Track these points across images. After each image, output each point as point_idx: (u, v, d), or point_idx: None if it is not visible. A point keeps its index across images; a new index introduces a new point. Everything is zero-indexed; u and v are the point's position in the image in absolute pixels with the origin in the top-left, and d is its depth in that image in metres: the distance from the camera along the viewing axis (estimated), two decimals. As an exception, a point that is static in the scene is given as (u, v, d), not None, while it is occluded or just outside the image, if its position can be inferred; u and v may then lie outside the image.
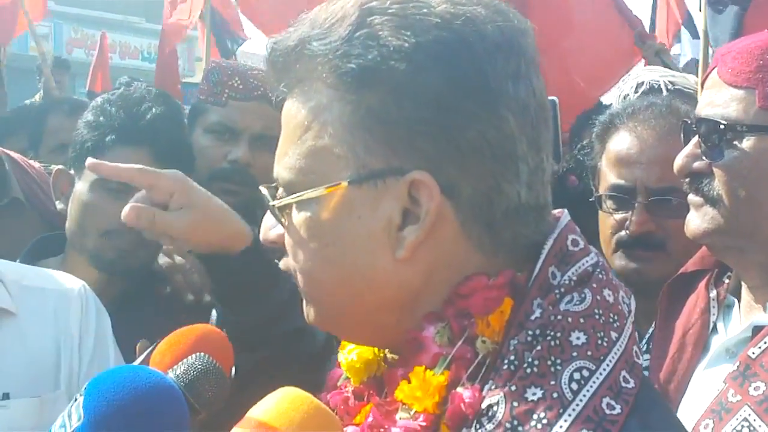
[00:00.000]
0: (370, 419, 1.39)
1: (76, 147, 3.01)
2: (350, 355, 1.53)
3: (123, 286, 2.96)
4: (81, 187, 2.95)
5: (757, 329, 2.10)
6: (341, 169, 1.37)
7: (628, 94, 3.95)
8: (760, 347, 2.02)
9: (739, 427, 1.95)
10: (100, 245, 2.91)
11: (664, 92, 3.85)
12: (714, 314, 2.27)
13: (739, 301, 2.26)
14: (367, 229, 1.38)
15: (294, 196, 1.41)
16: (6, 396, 2.32)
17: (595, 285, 1.37)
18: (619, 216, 2.81)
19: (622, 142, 2.85)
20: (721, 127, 2.11)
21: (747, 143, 2.09)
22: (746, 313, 2.21)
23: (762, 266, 2.15)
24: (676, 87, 3.92)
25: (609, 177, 2.85)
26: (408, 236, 1.36)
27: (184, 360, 1.65)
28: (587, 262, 1.40)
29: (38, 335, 2.42)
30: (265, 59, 1.47)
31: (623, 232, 2.79)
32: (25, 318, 2.43)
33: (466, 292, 1.37)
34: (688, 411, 2.10)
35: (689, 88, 3.98)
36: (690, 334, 2.27)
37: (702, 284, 2.34)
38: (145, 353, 1.81)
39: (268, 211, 1.54)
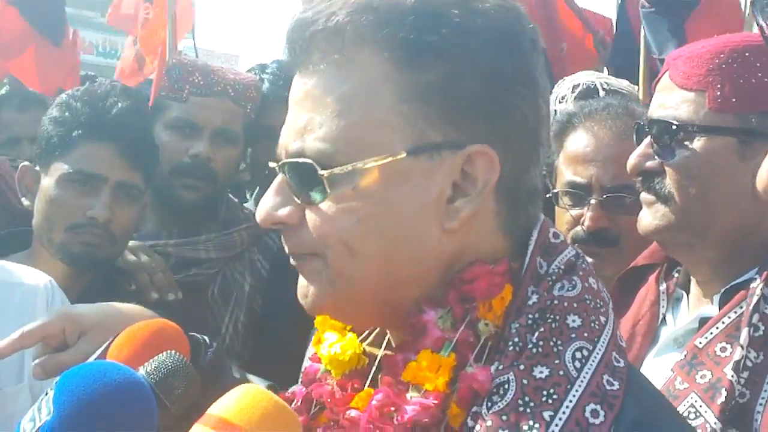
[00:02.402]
0: (376, 401, 1.39)
1: (42, 143, 3.00)
2: (332, 348, 1.54)
3: (89, 282, 2.96)
4: (47, 182, 2.95)
5: (704, 320, 2.16)
6: (397, 140, 1.38)
7: (566, 96, 4.00)
8: (706, 337, 2.08)
9: (686, 413, 1.99)
10: (66, 239, 2.91)
11: (601, 93, 3.89)
12: (663, 306, 2.34)
13: (687, 294, 2.32)
14: (420, 200, 1.39)
15: (350, 164, 1.38)
16: None
17: (581, 273, 1.44)
18: (574, 212, 2.86)
19: (578, 140, 2.89)
20: (673, 127, 2.17)
21: (698, 143, 2.16)
22: (694, 305, 2.28)
23: (711, 261, 2.21)
24: (612, 88, 3.98)
25: (565, 174, 2.89)
26: (462, 208, 1.40)
27: (155, 357, 1.64)
28: (569, 253, 1.47)
29: (2, 329, 2.40)
30: (293, 33, 1.45)
31: (578, 228, 2.84)
32: None
33: (470, 278, 1.41)
34: (638, 399, 2.14)
35: (623, 90, 4.04)
36: (640, 325, 2.33)
37: (652, 278, 2.40)
38: (102, 347, 1.82)
39: (269, 191, 1.50)
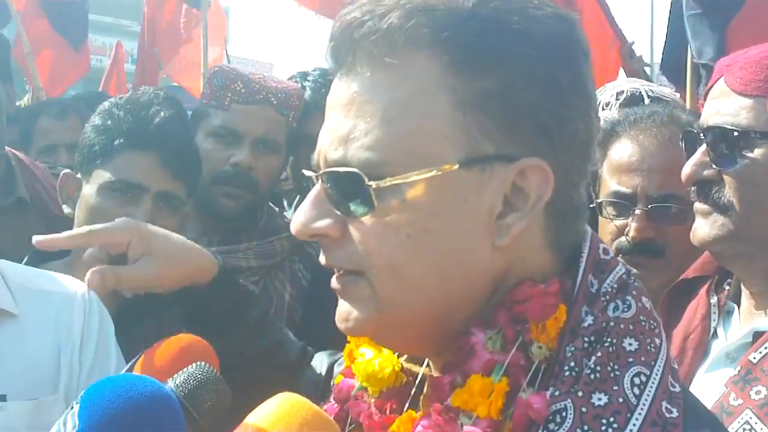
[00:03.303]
0: (422, 427, 1.33)
1: (83, 150, 2.99)
2: (371, 363, 1.50)
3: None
4: (88, 190, 2.94)
5: (757, 335, 2.12)
6: (449, 151, 1.32)
7: (609, 102, 3.96)
8: (760, 352, 2.04)
9: (740, 430, 1.96)
10: None
11: (646, 100, 3.86)
12: (714, 320, 2.30)
13: (738, 307, 2.28)
14: (472, 214, 1.34)
15: (400, 176, 1.32)
16: (3, 398, 2.29)
17: (635, 292, 1.38)
18: (619, 222, 2.81)
19: (623, 149, 2.85)
20: (734, 134, 2.13)
21: (759, 150, 2.12)
22: (746, 318, 2.23)
23: (767, 273, 2.17)
24: (656, 95, 3.95)
25: (610, 184, 2.85)
26: (513, 224, 1.34)
27: (184, 369, 1.62)
28: (620, 270, 1.41)
29: (39, 338, 2.40)
30: (340, 35, 1.39)
31: (623, 239, 2.79)
32: (26, 320, 2.41)
33: (521, 298, 1.35)
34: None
35: (668, 97, 4.01)
36: (691, 339, 2.29)
37: (703, 290, 2.37)
38: (131, 363, 1.81)
39: (307, 201, 1.44)
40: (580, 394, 1.28)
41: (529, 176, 1.33)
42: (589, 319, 1.33)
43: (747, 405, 1.98)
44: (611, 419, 1.26)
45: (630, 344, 1.32)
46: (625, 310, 1.35)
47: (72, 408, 1.44)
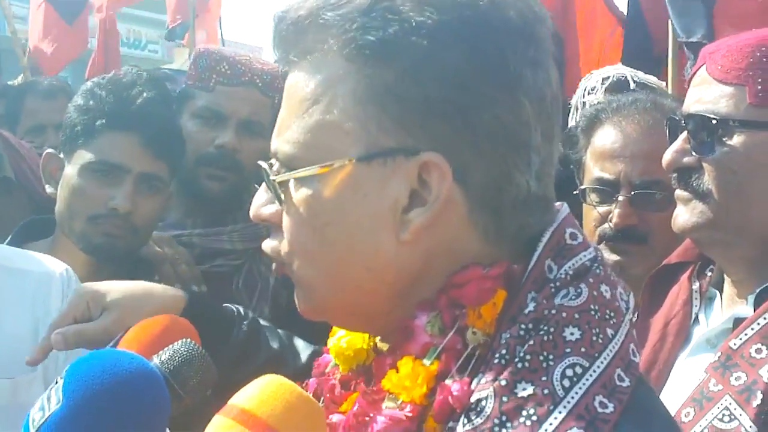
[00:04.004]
0: (356, 407, 1.35)
1: (66, 130, 2.99)
2: (340, 342, 1.50)
3: (111, 273, 2.92)
4: (70, 170, 2.94)
5: (738, 321, 2.12)
6: (349, 145, 1.32)
7: (596, 87, 3.97)
8: (741, 338, 2.04)
9: (720, 416, 1.97)
10: (87, 229, 2.90)
11: (632, 85, 3.87)
12: (696, 305, 2.30)
13: (721, 294, 2.29)
14: (372, 209, 1.33)
15: (298, 171, 1.35)
16: None
17: (591, 280, 1.33)
18: (602, 209, 2.82)
19: (606, 136, 2.86)
20: (713, 122, 2.13)
21: (738, 138, 2.12)
22: (728, 305, 2.24)
23: (747, 260, 2.18)
24: (642, 81, 3.96)
25: (593, 170, 2.86)
26: (415, 219, 1.32)
27: (170, 346, 1.63)
28: (585, 256, 1.36)
29: (16, 317, 2.39)
30: (274, 28, 1.41)
31: (606, 225, 2.80)
32: (3, 299, 2.40)
33: (461, 282, 1.33)
34: (669, 400, 2.11)
35: (653, 84, 4.02)
36: (672, 324, 2.29)
37: (685, 276, 2.37)
38: (112, 342, 1.81)
39: (261, 188, 1.49)
40: (504, 383, 1.24)
41: (431, 171, 1.31)
42: (531, 306, 1.30)
43: (727, 391, 1.99)
44: (531, 411, 1.22)
45: (572, 334, 1.27)
46: (574, 297, 1.30)
47: (56, 383, 1.44)
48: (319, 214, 1.36)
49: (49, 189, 3.04)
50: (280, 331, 2.35)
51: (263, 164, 1.43)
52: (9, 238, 2.93)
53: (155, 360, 1.57)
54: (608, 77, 4.01)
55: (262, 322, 2.32)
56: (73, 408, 1.40)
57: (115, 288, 2.18)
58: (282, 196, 1.39)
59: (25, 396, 2.30)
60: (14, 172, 3.77)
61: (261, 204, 1.45)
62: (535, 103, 1.34)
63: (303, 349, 2.34)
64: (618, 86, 3.92)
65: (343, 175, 1.33)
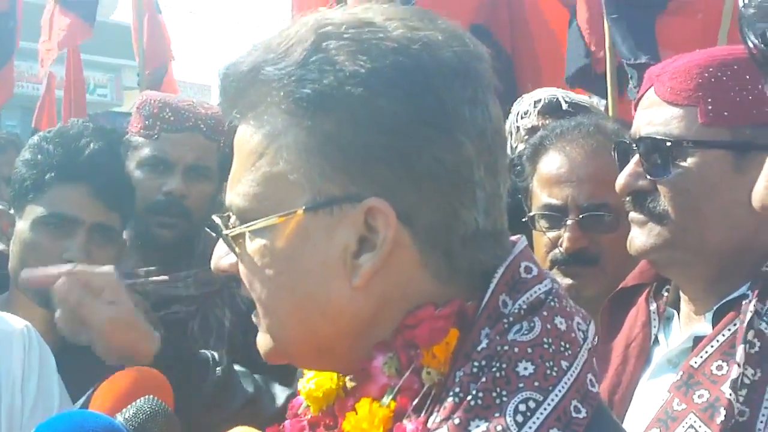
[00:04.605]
0: None
1: (15, 185, 2.97)
2: (309, 383, 1.50)
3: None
4: (22, 226, 2.92)
5: (697, 339, 2.14)
6: (297, 196, 1.34)
7: (528, 111, 4.01)
8: (701, 356, 2.07)
9: None
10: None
11: (564, 106, 3.92)
12: (655, 326, 2.32)
13: (678, 313, 2.30)
14: (322, 257, 1.34)
15: (247, 225, 1.38)
16: None
17: (546, 313, 1.33)
18: (552, 234, 2.84)
19: (551, 162, 2.88)
20: (667, 144, 2.15)
21: (691, 159, 2.13)
22: (686, 324, 2.26)
23: (705, 278, 2.20)
24: (574, 101, 4.01)
25: (541, 197, 2.88)
26: (364, 264, 1.33)
27: (133, 403, 1.63)
28: (539, 289, 1.36)
29: (-22, 376, 2.39)
30: (219, 85, 1.44)
31: (557, 250, 2.82)
32: None
33: (413, 323, 1.34)
34: (634, 421, 2.13)
35: (585, 103, 4.07)
36: (632, 347, 2.31)
37: (642, 298, 2.38)
38: (85, 396, 1.81)
39: (220, 240, 1.51)
40: (457, 421, 1.25)
41: (376, 216, 1.32)
42: (484, 343, 1.30)
43: (691, 409, 2.01)
44: None
45: (525, 368, 1.28)
46: (526, 332, 1.30)
47: None
48: (273, 264, 1.37)
49: (0, 245, 3.02)
50: (256, 376, 2.36)
51: (217, 219, 1.45)
52: (-38, 298, 2.90)
53: (119, 418, 1.57)
54: (540, 100, 4.06)
55: (236, 367, 2.33)
56: None
57: (128, 297, 2.28)
58: (236, 249, 1.42)
59: None
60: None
61: (220, 256, 1.48)
62: (475, 140, 1.35)
63: (280, 392, 2.35)
64: (550, 108, 3.97)
65: (293, 226, 1.34)
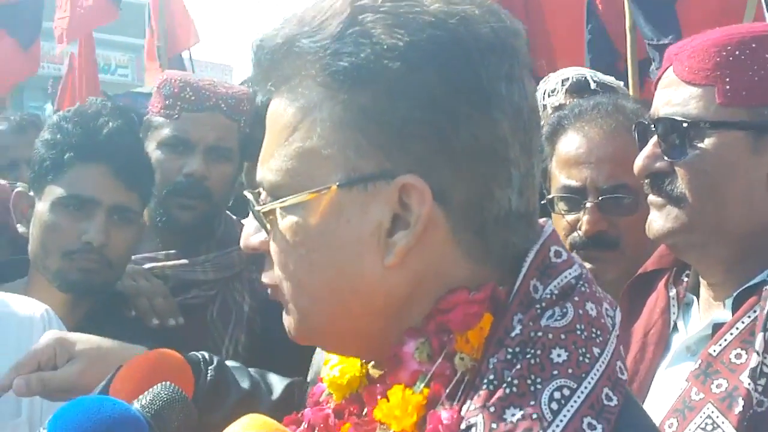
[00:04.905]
0: None
1: (35, 166, 2.98)
2: (333, 370, 1.50)
3: (88, 309, 2.94)
4: (41, 207, 2.93)
5: (717, 327, 2.12)
6: (330, 172, 1.33)
7: (555, 89, 3.99)
8: (720, 345, 2.05)
9: (703, 425, 1.97)
10: (62, 266, 2.89)
11: (592, 85, 3.89)
12: (674, 313, 2.30)
13: (698, 299, 2.29)
14: (355, 234, 1.33)
15: (282, 200, 1.36)
16: None
17: (577, 299, 1.33)
18: (571, 217, 2.83)
19: (570, 143, 2.86)
20: (684, 125, 2.12)
21: (709, 140, 2.11)
22: (705, 310, 2.24)
23: (724, 262, 2.18)
24: (602, 81, 3.97)
25: (559, 178, 2.86)
26: (398, 242, 1.32)
27: (150, 389, 1.63)
28: (570, 274, 1.36)
29: (-1, 361, 2.41)
30: (252, 57, 1.43)
31: (576, 233, 2.80)
32: None
33: (447, 307, 1.33)
34: (652, 410, 2.10)
35: (613, 84, 4.04)
36: (651, 334, 2.29)
37: (661, 284, 2.37)
38: (105, 381, 1.81)
39: (250, 217, 1.50)
40: (492, 409, 1.24)
41: (411, 193, 1.31)
42: (517, 329, 1.29)
43: (708, 399, 1.99)
44: None
45: (559, 355, 1.27)
46: (559, 318, 1.30)
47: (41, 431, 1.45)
48: (305, 241, 1.36)
49: (20, 228, 3.02)
50: (251, 369, 2.35)
51: (249, 194, 1.45)
52: (-17, 281, 2.92)
53: (136, 404, 1.58)
54: (568, 78, 4.02)
55: (229, 363, 2.32)
56: None
57: (83, 340, 2.21)
58: (268, 225, 1.41)
59: None
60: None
61: (250, 233, 1.49)
62: (511, 119, 1.34)
63: (277, 383, 2.35)
64: (578, 87, 3.93)
65: (326, 202, 1.33)
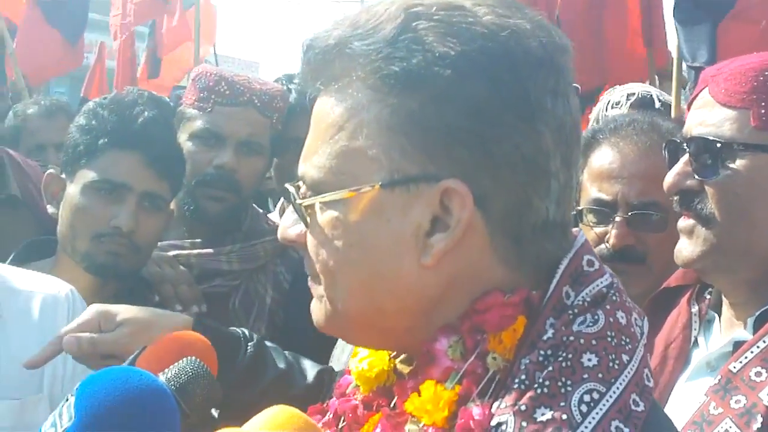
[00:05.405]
0: (378, 429, 1.38)
1: (68, 150, 3.00)
2: (361, 363, 1.52)
3: (113, 292, 2.95)
4: (72, 190, 2.95)
5: (738, 344, 2.13)
6: (374, 172, 1.35)
7: (620, 102, 3.98)
8: (741, 362, 2.05)
9: None
10: (91, 248, 2.91)
11: (657, 104, 3.89)
12: (695, 329, 2.31)
13: (719, 317, 2.29)
14: (395, 233, 1.36)
15: (324, 195, 1.39)
16: None
17: (608, 307, 1.35)
18: (599, 230, 2.82)
19: (603, 156, 2.86)
20: (717, 145, 2.13)
21: (741, 162, 2.12)
22: (726, 328, 2.25)
23: (749, 284, 2.18)
24: (666, 101, 3.97)
25: (590, 191, 2.86)
26: (436, 244, 1.34)
27: (176, 363, 1.65)
28: (602, 283, 1.39)
29: (22, 338, 2.41)
30: (301, 56, 1.45)
31: (603, 246, 2.80)
32: (9, 320, 2.43)
33: (482, 308, 1.36)
34: (670, 423, 2.13)
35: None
36: (672, 348, 2.30)
37: (684, 299, 2.38)
38: (130, 359, 1.82)
39: (288, 209, 1.52)
40: (523, 408, 1.27)
41: (452, 197, 1.34)
42: (550, 332, 1.32)
43: (727, 414, 1.99)
44: None
45: (589, 360, 1.30)
46: (591, 324, 1.33)
47: (67, 400, 1.45)
48: (344, 237, 1.39)
49: (50, 209, 3.04)
50: (286, 352, 2.37)
51: (290, 187, 1.46)
52: (10, 258, 2.94)
53: (161, 377, 1.58)
54: (633, 93, 4.03)
55: (267, 343, 2.34)
56: (85, 425, 1.41)
57: (125, 309, 2.23)
58: (308, 218, 1.43)
59: (32, 417, 2.32)
60: (20, 191, 3.77)
61: (287, 225, 1.50)
62: (554, 132, 1.36)
63: (310, 368, 2.37)
64: (643, 103, 3.95)
65: (367, 200, 1.36)
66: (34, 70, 8.80)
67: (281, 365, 2.30)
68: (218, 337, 2.25)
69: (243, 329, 2.27)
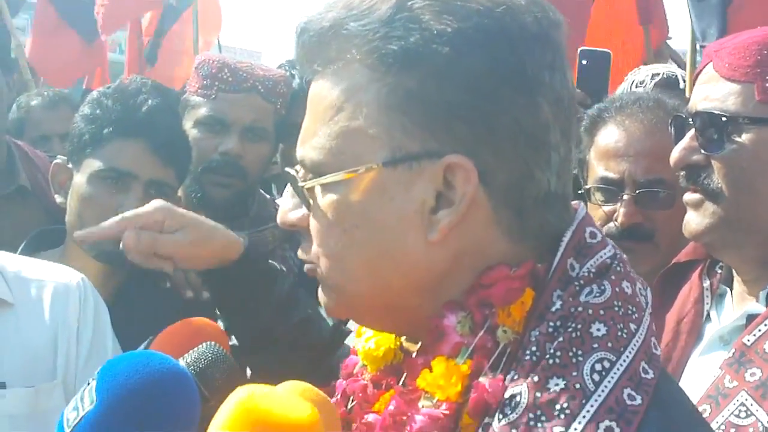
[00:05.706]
0: (391, 407, 1.38)
1: (74, 140, 3.00)
2: (368, 343, 1.53)
3: (122, 280, 2.96)
4: (79, 179, 2.95)
5: (751, 317, 2.13)
6: (375, 151, 1.36)
7: (644, 81, 3.98)
8: (755, 335, 2.06)
9: (736, 412, 1.98)
10: None
11: (681, 84, 3.89)
12: (707, 303, 2.31)
13: (731, 290, 2.29)
14: (399, 211, 1.36)
15: (325, 176, 1.39)
16: (2, 385, 2.32)
17: (614, 277, 1.37)
18: (607, 208, 2.83)
19: (610, 135, 2.87)
20: (722, 119, 2.14)
21: (746, 136, 2.13)
22: (739, 302, 2.25)
23: (758, 260, 2.19)
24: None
25: (597, 169, 2.87)
26: (442, 219, 1.35)
27: (195, 348, 1.66)
28: (605, 254, 1.40)
29: (35, 326, 2.42)
30: (295, 40, 1.45)
31: (612, 224, 2.81)
32: (22, 309, 2.44)
33: (488, 282, 1.36)
34: (685, 397, 2.14)
35: None
36: (684, 323, 2.30)
37: (695, 274, 2.38)
38: (143, 345, 1.83)
39: (287, 193, 1.53)
40: (536, 379, 1.28)
41: (456, 172, 1.34)
42: (558, 304, 1.34)
43: (742, 387, 2.00)
44: (565, 405, 1.26)
45: (598, 329, 1.31)
46: (598, 294, 1.34)
47: (89, 384, 1.46)
48: (347, 218, 1.39)
49: (58, 199, 3.05)
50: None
51: (291, 171, 1.47)
52: (20, 248, 2.94)
53: (181, 362, 1.59)
54: (659, 73, 4.04)
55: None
56: (107, 408, 1.42)
57: (190, 213, 2.29)
58: (310, 201, 1.43)
59: (47, 404, 2.33)
60: (29, 182, 3.78)
61: (288, 209, 1.51)
62: (553, 105, 1.38)
63: (326, 321, 2.42)
64: (668, 83, 3.95)
65: (369, 180, 1.36)
66: (54, 73, 8.80)
67: (310, 310, 2.34)
68: (262, 265, 2.29)
69: (282, 266, 2.31)
